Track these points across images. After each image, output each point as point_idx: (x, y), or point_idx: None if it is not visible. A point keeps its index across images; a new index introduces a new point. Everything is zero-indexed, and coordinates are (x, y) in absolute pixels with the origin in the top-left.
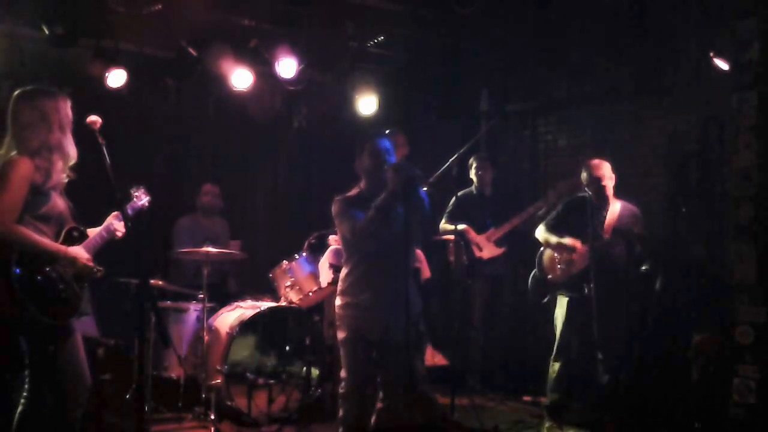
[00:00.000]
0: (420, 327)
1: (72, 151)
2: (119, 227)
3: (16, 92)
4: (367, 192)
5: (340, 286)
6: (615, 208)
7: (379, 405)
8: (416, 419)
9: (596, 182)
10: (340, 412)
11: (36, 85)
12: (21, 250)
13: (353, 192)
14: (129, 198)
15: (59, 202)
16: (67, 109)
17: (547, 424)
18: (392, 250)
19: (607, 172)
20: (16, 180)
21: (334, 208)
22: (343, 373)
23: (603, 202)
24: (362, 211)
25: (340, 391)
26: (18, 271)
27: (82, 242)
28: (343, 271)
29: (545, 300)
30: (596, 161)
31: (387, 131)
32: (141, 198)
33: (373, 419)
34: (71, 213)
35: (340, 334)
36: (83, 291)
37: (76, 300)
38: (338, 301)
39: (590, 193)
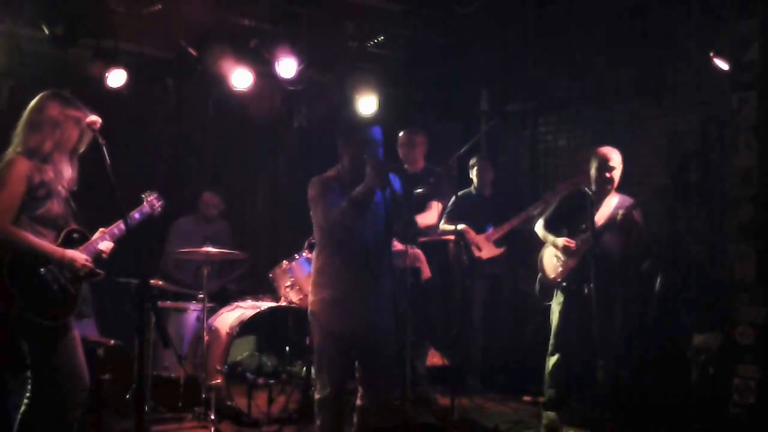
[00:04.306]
0: (421, 328)
1: (66, 172)
2: (105, 248)
3: (48, 91)
4: (349, 176)
5: (315, 279)
6: (612, 201)
7: (358, 403)
8: (417, 419)
9: (608, 170)
10: (318, 422)
11: (61, 91)
12: (16, 251)
13: (332, 173)
14: (140, 202)
15: (58, 205)
16: (71, 131)
17: (545, 422)
18: (373, 247)
19: (618, 161)
20: (13, 179)
21: (312, 191)
22: (317, 378)
23: (604, 193)
24: (340, 194)
25: (316, 396)
26: (12, 272)
27: (83, 245)
28: (318, 263)
29: (550, 302)
30: (608, 148)
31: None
32: (153, 204)
33: (355, 420)
34: (74, 217)
35: (316, 336)
36: (80, 292)
37: (73, 301)
38: (312, 297)
39: (594, 183)
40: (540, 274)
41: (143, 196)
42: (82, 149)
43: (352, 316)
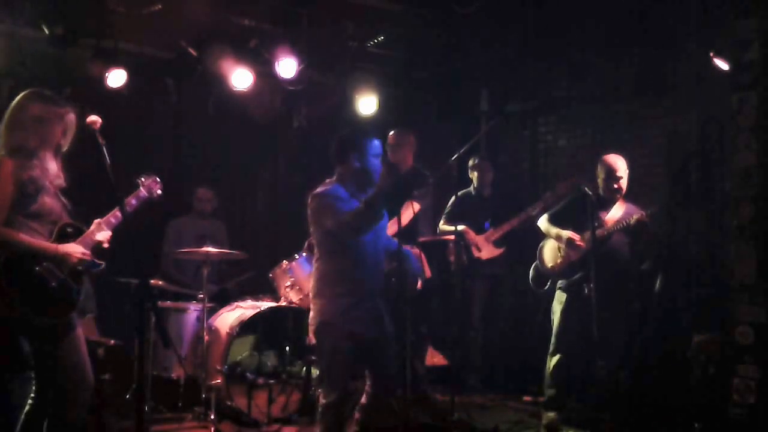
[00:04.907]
0: (421, 328)
1: (52, 168)
2: (103, 238)
3: (29, 90)
4: (358, 181)
5: (321, 287)
6: (620, 209)
7: (363, 401)
8: (417, 419)
9: (616, 181)
10: (320, 426)
11: (42, 90)
12: (11, 252)
13: (329, 185)
14: (135, 186)
15: (50, 200)
16: (54, 127)
17: (545, 422)
18: (377, 247)
19: (624, 168)
20: (1, 181)
21: (315, 202)
22: (324, 385)
23: (613, 200)
24: (348, 200)
25: (322, 401)
26: (10, 272)
27: (78, 238)
28: (322, 269)
29: (545, 288)
30: (614, 157)
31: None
32: (150, 187)
33: (356, 417)
34: (67, 212)
35: (329, 343)
36: (82, 288)
37: (73, 297)
38: (319, 300)
39: (601, 188)
40: (536, 262)
41: (139, 180)
42: (66, 146)
43: (368, 315)
